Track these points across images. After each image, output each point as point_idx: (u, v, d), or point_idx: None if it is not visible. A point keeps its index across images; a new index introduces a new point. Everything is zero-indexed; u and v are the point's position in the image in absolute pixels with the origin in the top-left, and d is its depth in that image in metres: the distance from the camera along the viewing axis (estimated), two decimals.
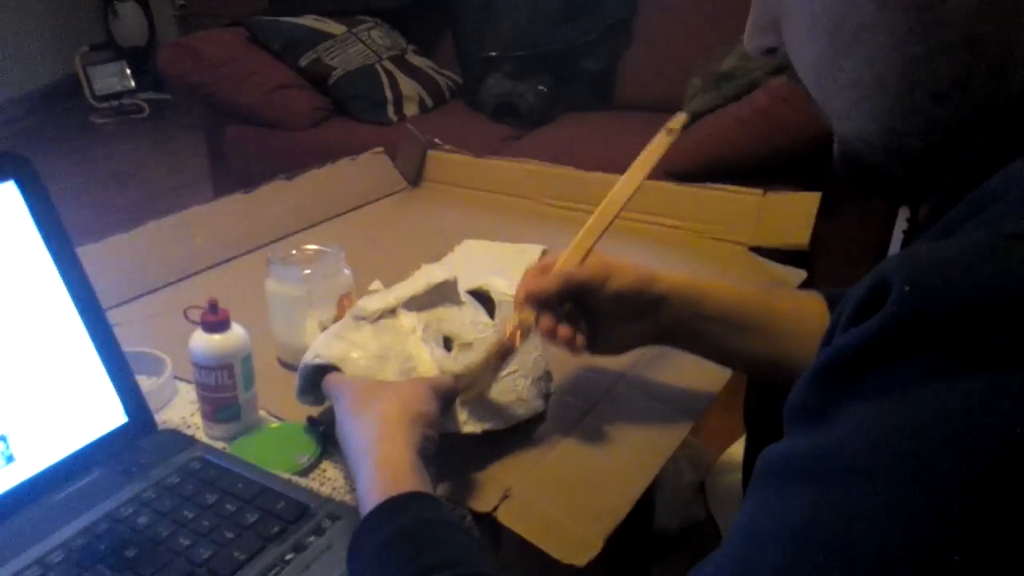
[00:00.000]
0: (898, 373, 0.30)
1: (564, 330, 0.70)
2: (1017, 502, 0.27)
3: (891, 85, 0.42)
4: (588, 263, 0.72)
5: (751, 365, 0.74)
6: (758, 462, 0.35)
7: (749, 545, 0.33)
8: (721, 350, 0.73)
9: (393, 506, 0.55)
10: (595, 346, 0.73)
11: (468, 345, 0.73)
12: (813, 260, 1.12)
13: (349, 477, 0.67)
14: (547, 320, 0.70)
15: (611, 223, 0.74)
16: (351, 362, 0.69)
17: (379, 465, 0.58)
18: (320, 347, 0.71)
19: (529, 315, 0.70)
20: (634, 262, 0.73)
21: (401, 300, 0.73)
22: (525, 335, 0.71)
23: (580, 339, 0.71)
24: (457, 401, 0.69)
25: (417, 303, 0.74)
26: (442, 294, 0.76)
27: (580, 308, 0.72)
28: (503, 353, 0.70)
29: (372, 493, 0.56)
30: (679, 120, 0.78)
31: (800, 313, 0.71)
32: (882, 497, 0.29)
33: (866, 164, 0.46)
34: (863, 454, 0.30)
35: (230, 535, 0.60)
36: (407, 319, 0.72)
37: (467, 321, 0.75)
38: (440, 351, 0.72)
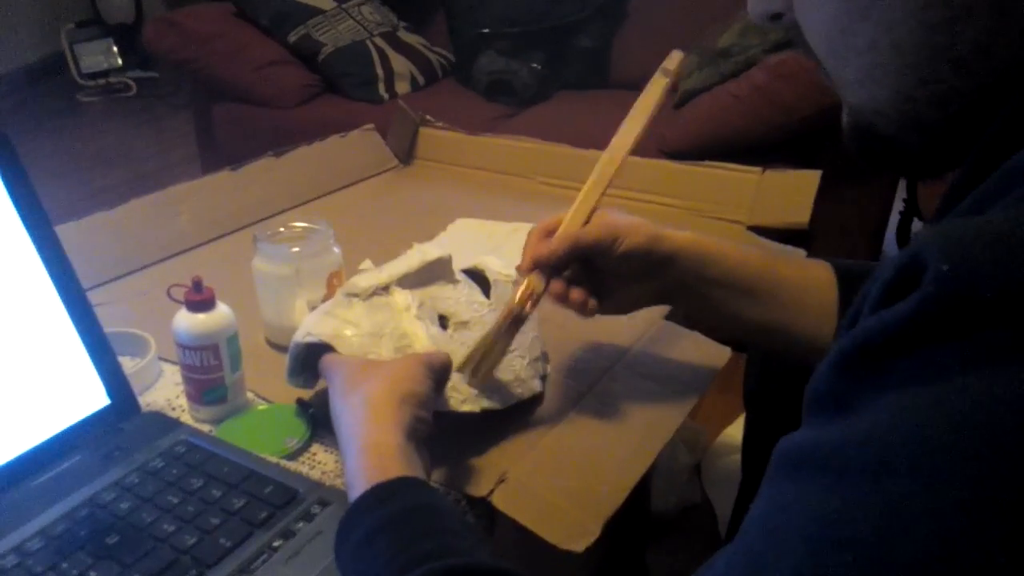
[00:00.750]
0: (936, 359, 0.27)
1: (576, 293, 0.68)
2: None
3: (908, 50, 0.39)
4: (594, 223, 0.69)
5: (752, 330, 0.72)
6: (774, 452, 0.32)
7: (765, 542, 0.30)
8: (722, 313, 0.71)
9: (380, 493, 0.52)
10: (601, 307, 0.71)
11: (464, 324, 0.71)
12: (812, 239, 1.10)
13: (340, 461, 0.65)
14: (558, 284, 0.68)
15: (612, 178, 0.71)
16: (344, 340, 0.67)
17: (366, 449, 0.56)
18: (311, 325, 0.69)
19: (539, 281, 0.68)
20: (638, 219, 0.70)
21: (394, 278, 0.70)
22: (536, 302, 0.69)
23: (592, 302, 0.69)
24: (459, 377, 0.66)
25: (410, 281, 0.71)
26: (436, 272, 0.73)
27: (585, 269, 0.70)
28: (515, 321, 0.68)
29: (359, 479, 0.54)
30: (675, 59, 0.74)
31: (805, 281, 0.69)
32: (919, 494, 0.26)
33: (880, 137, 0.44)
34: (896, 447, 0.27)
35: (216, 521, 0.58)
36: (401, 296, 0.70)
37: (462, 300, 0.73)
38: (436, 329, 0.70)
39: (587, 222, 0.69)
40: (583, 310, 0.69)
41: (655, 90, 0.73)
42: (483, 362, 0.66)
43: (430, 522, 0.51)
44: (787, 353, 0.71)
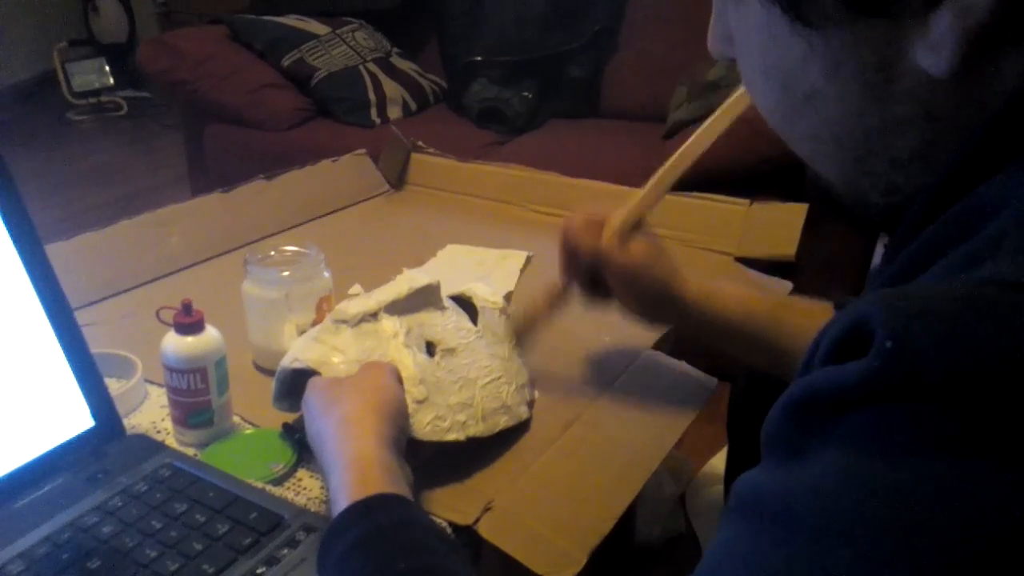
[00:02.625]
0: (880, 426, 0.27)
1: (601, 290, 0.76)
2: None
3: (848, 146, 0.40)
4: (636, 247, 0.73)
5: (756, 367, 0.75)
6: (732, 489, 0.33)
7: None
8: (723, 354, 0.75)
9: (359, 510, 0.52)
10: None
11: (451, 351, 0.71)
12: (798, 271, 1.11)
13: (325, 484, 0.65)
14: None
15: (679, 177, 0.75)
16: (331, 366, 0.67)
17: (348, 465, 0.56)
18: (298, 351, 0.69)
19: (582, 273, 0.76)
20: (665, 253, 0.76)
21: (382, 304, 0.71)
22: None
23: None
24: (447, 408, 0.67)
25: (399, 307, 0.72)
26: (424, 299, 0.74)
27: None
28: (556, 303, 0.76)
29: (340, 495, 0.54)
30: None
31: (809, 331, 0.70)
32: (857, 563, 0.26)
33: (835, 195, 0.44)
34: (839, 511, 0.27)
35: (199, 547, 0.57)
36: (389, 323, 0.70)
37: (450, 326, 0.73)
38: (423, 356, 0.70)
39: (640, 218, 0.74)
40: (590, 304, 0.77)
41: (738, 104, 0.75)
42: (527, 335, 0.75)
43: (407, 540, 0.51)
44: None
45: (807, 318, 0.71)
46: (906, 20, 0.34)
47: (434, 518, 0.63)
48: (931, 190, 0.36)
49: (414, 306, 0.73)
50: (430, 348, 0.72)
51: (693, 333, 0.77)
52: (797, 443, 0.30)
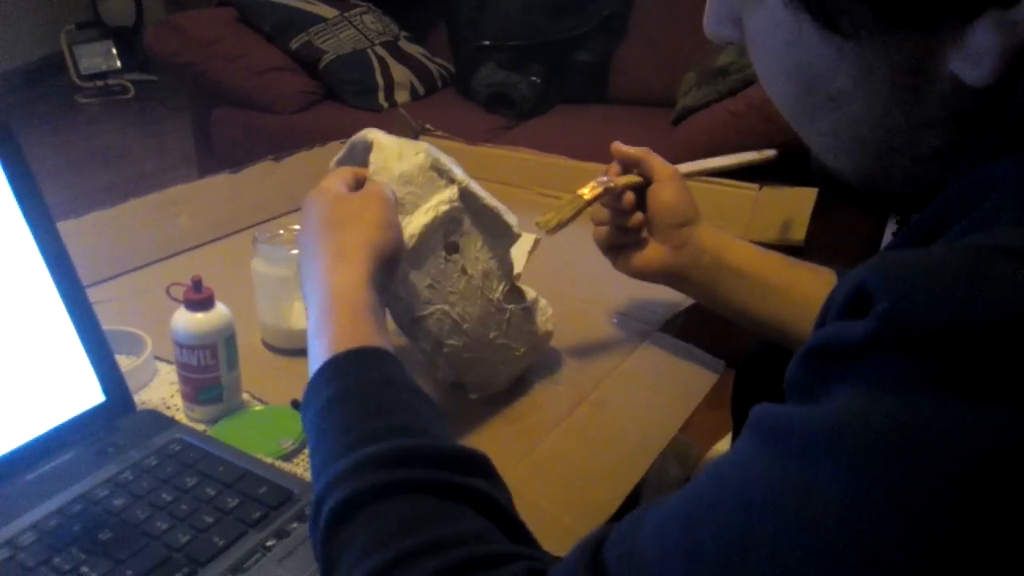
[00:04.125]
0: (881, 374, 0.30)
1: (630, 197, 0.78)
2: (969, 535, 0.27)
3: (870, 144, 0.40)
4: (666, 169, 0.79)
5: (759, 325, 0.76)
6: (750, 412, 0.35)
7: (712, 489, 0.34)
8: (732, 303, 0.76)
9: (343, 362, 0.51)
10: (618, 260, 0.80)
11: (464, 271, 0.70)
12: (807, 256, 1.11)
13: (304, 302, 0.62)
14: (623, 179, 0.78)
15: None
16: (385, 169, 0.67)
17: (336, 300, 0.55)
18: (381, 136, 0.70)
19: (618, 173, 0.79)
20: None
21: (467, 184, 0.70)
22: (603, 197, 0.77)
23: (638, 215, 0.78)
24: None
25: (473, 207, 0.71)
26: (495, 227, 0.73)
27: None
28: (582, 206, 0.76)
29: (326, 331, 0.53)
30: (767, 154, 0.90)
31: (817, 284, 0.73)
32: (841, 481, 0.29)
33: (844, 183, 0.44)
34: (834, 433, 0.30)
35: (209, 520, 0.58)
36: (449, 192, 0.69)
37: (481, 247, 0.72)
38: (441, 251, 0.69)
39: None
40: (625, 219, 0.78)
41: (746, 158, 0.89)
42: (562, 222, 0.74)
43: (387, 397, 0.50)
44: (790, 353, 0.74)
45: (815, 273, 0.74)
46: (941, 31, 0.34)
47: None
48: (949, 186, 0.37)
49: (483, 221, 0.72)
50: (451, 247, 0.70)
51: (699, 271, 0.77)
52: (811, 387, 0.33)
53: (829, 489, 0.29)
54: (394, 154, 0.68)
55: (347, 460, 0.45)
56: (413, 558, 0.40)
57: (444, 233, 0.69)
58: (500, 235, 0.73)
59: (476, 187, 0.72)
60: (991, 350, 0.28)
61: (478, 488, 0.45)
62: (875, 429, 0.29)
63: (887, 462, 0.29)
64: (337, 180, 0.65)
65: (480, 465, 0.47)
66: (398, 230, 0.63)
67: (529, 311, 0.75)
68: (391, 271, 0.61)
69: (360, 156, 0.70)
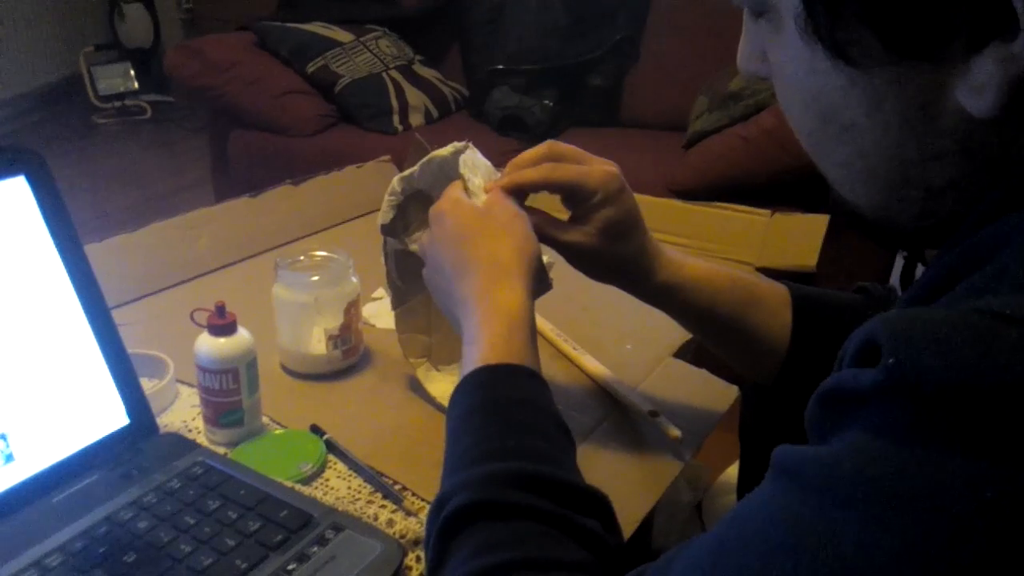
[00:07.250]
0: (887, 420, 0.32)
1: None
2: None
3: (882, 175, 0.41)
4: (592, 170, 0.71)
5: (705, 321, 0.73)
6: (772, 454, 0.37)
7: (736, 530, 0.36)
8: (674, 300, 0.72)
9: (491, 374, 0.55)
10: (577, 262, 0.71)
11: None
12: (818, 283, 1.12)
13: (448, 310, 0.65)
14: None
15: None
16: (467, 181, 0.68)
17: (496, 311, 0.58)
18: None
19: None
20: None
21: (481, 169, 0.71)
22: None
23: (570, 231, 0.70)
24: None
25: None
26: None
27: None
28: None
29: (482, 340, 0.56)
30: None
31: (762, 285, 0.74)
32: (853, 526, 0.31)
33: (861, 217, 0.45)
34: (845, 477, 0.32)
35: (231, 543, 0.59)
36: (470, 155, 0.70)
37: None
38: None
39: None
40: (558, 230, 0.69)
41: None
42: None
43: (526, 418, 0.53)
44: (736, 355, 0.74)
45: (767, 282, 0.74)
46: (949, 62, 0.35)
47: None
48: (967, 222, 0.38)
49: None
50: None
51: (645, 260, 0.71)
52: (825, 426, 0.35)
53: (843, 532, 0.31)
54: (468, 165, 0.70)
55: (477, 469, 0.49)
56: (517, 568, 0.45)
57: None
58: None
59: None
60: (994, 410, 0.30)
61: (585, 525, 0.48)
62: (882, 475, 0.31)
63: (897, 508, 0.30)
64: (462, 192, 0.67)
65: (597, 505, 0.50)
66: (536, 240, 0.65)
67: None
68: (541, 280, 0.64)
69: (429, 171, 0.71)
